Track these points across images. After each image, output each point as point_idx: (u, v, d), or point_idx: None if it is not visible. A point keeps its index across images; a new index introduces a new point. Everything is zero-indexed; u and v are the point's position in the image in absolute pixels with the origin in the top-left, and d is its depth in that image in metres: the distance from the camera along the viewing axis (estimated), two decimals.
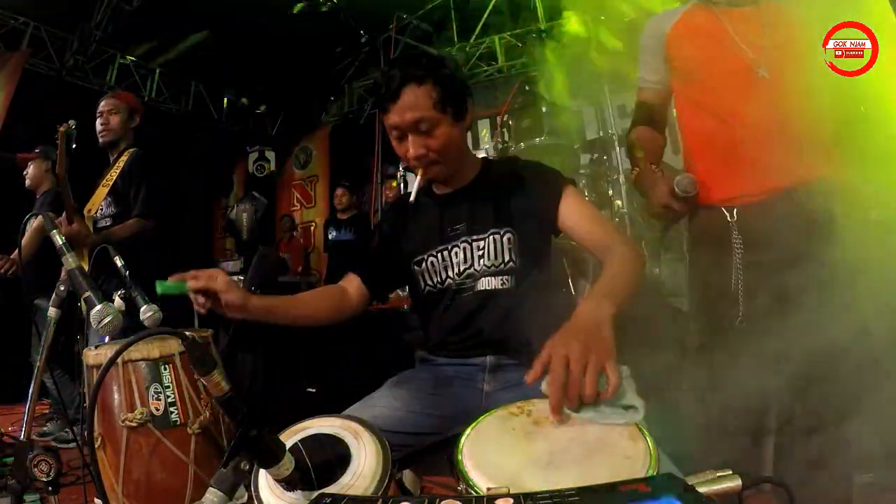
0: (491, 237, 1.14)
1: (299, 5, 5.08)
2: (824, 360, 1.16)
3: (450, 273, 1.16)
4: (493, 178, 1.21)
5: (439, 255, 1.18)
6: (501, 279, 1.13)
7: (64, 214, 2.00)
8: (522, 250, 1.14)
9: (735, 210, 1.28)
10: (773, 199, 1.25)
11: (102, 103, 2.34)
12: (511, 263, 1.13)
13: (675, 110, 1.48)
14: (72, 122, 1.98)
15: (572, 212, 1.13)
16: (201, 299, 0.99)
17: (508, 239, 1.13)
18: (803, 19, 1.34)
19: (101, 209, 2.24)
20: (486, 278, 1.14)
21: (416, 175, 1.14)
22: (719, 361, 1.29)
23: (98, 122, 2.32)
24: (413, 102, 1.05)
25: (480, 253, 1.15)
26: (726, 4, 1.35)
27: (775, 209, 1.24)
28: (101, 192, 2.25)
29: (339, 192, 5.16)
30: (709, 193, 1.31)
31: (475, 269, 1.14)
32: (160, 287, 1.01)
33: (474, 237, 1.15)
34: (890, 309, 1.22)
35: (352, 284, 1.25)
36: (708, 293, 1.37)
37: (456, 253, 1.16)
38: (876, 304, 1.18)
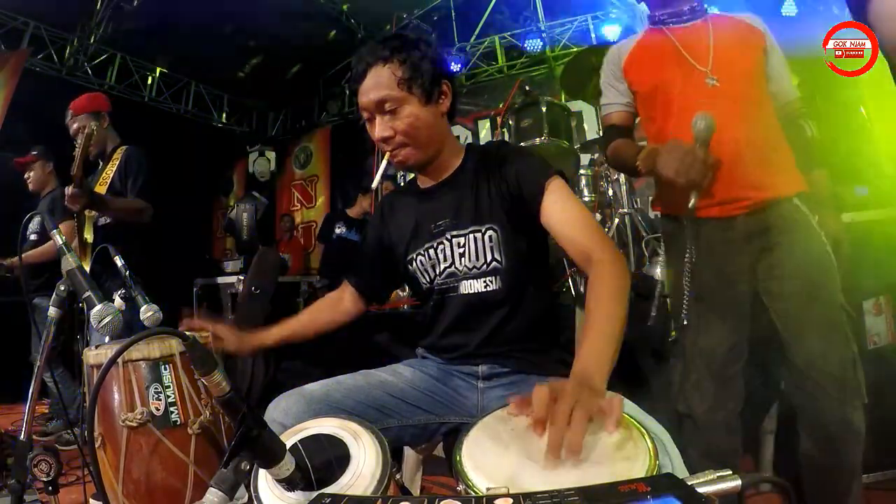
0: (472, 234, 1.06)
1: None
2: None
3: (437, 271, 1.11)
4: (477, 167, 1.11)
5: (426, 252, 1.12)
6: (485, 281, 1.05)
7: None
8: (508, 249, 1.05)
9: (688, 219, 1.33)
10: (728, 216, 1.30)
11: (73, 126, 2.28)
12: (495, 263, 1.05)
13: (643, 132, 1.51)
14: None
15: (556, 210, 1.01)
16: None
17: (490, 237, 1.05)
18: (746, 29, 1.38)
19: None
20: (469, 281, 1.07)
21: (384, 158, 1.09)
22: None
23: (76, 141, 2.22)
24: (376, 82, 1.02)
25: (462, 251, 1.07)
26: (676, 23, 1.39)
27: (724, 225, 1.30)
28: (99, 189, 2.26)
29: (368, 196, 4.88)
30: (677, 207, 1.35)
31: (456, 269, 1.08)
32: None
33: (454, 233, 1.08)
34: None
35: (346, 291, 1.30)
36: (672, 296, 1.43)
37: (442, 250, 1.10)
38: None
